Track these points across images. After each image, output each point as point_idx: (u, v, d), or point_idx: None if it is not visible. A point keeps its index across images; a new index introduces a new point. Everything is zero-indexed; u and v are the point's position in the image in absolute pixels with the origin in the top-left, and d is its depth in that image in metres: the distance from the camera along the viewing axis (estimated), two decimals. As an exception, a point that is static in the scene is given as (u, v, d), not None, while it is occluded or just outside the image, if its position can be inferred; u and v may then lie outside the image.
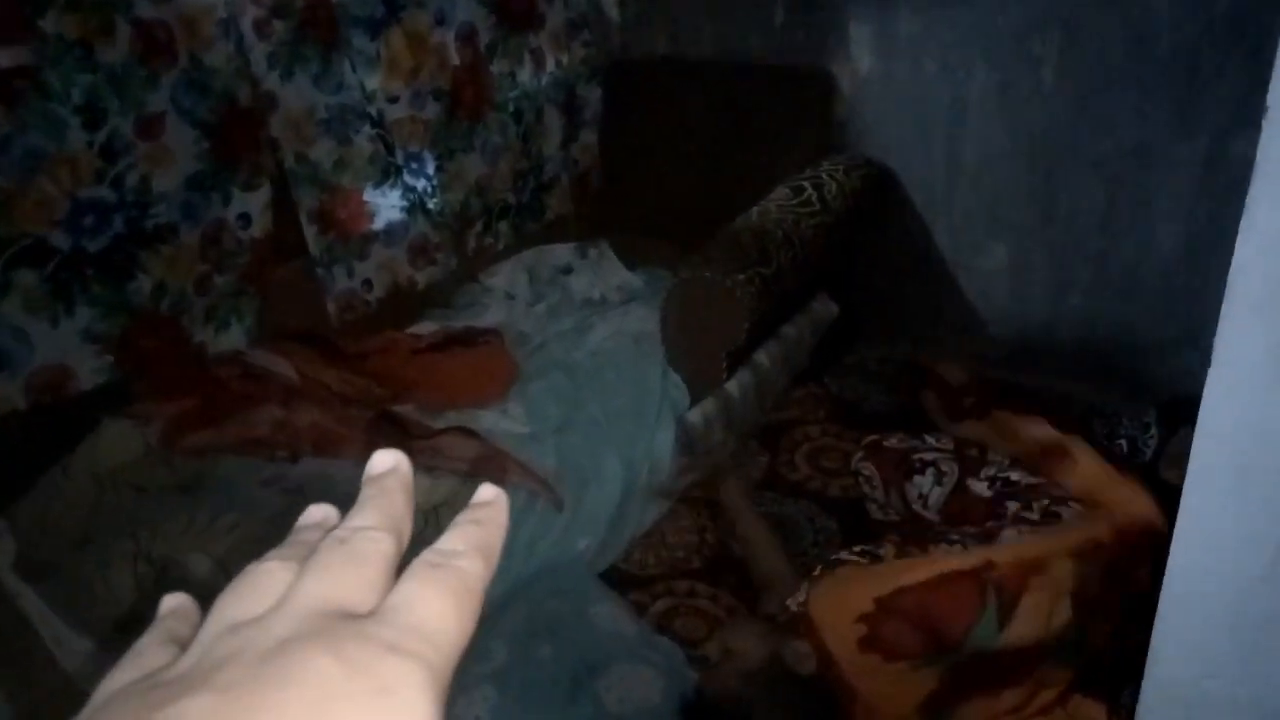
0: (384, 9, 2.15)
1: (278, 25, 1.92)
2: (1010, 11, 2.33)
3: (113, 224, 1.72)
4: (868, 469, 1.91)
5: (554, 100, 2.71)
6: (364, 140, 2.18)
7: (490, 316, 2.38)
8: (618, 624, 1.63)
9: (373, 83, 2.17)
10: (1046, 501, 1.76)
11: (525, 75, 2.59)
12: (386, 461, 0.34)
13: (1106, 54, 2.24)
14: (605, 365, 2.14)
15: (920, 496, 1.86)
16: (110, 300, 1.74)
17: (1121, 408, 2.21)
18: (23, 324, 1.63)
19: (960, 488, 1.84)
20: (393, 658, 0.26)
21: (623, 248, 2.69)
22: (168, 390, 1.78)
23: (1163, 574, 0.88)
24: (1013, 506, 1.77)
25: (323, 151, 2.09)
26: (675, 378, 2.12)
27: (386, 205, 2.28)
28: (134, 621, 1.40)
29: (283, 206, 2.05)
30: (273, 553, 0.31)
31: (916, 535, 1.72)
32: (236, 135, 1.88)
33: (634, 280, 2.54)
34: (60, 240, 1.65)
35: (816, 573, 1.52)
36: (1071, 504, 1.75)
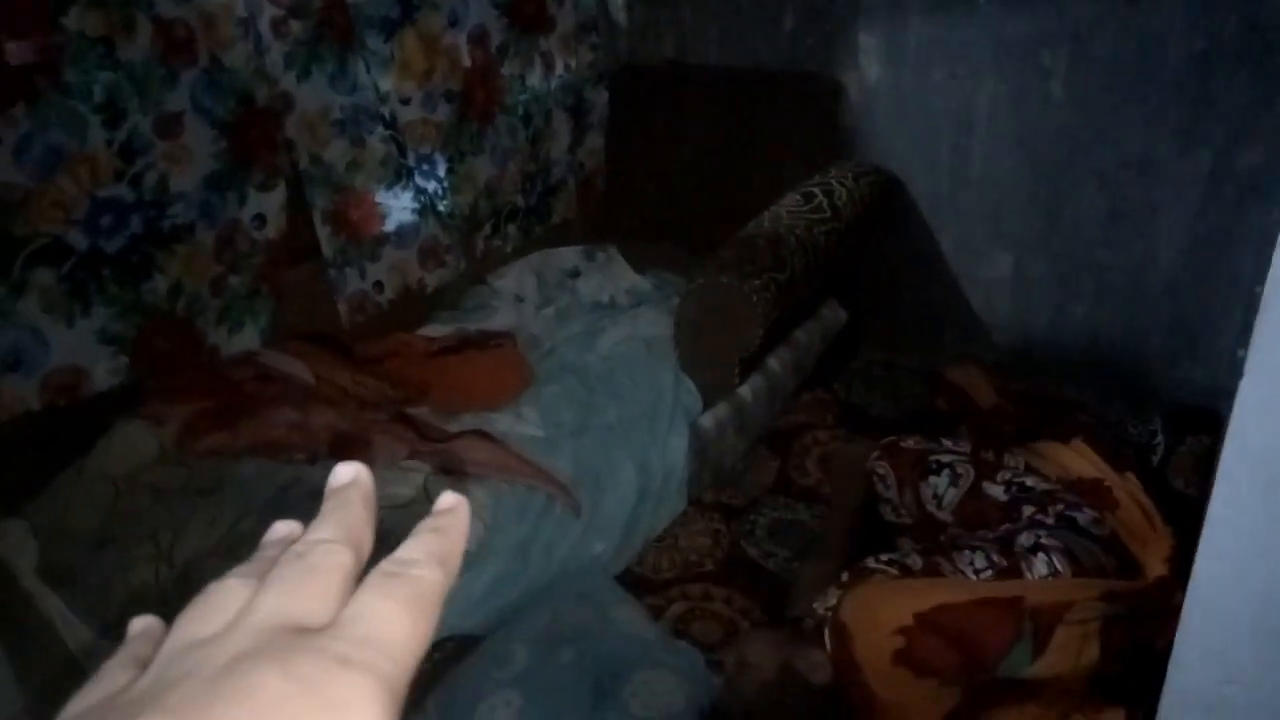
0: (399, 10, 2.14)
1: (295, 25, 1.91)
2: (1019, 23, 2.35)
3: (130, 224, 1.70)
4: (883, 468, 1.91)
5: (562, 103, 2.71)
6: (377, 142, 2.17)
7: (499, 319, 2.37)
8: (638, 628, 1.63)
9: (386, 84, 2.17)
10: (1061, 506, 1.77)
11: (535, 78, 2.59)
12: (347, 474, 0.34)
13: (1115, 67, 2.27)
14: (617, 369, 2.14)
15: (935, 497, 1.87)
16: (126, 301, 1.73)
17: (1126, 416, 2.24)
18: (39, 324, 1.61)
19: (975, 490, 1.86)
20: (344, 673, 0.26)
21: (629, 251, 2.70)
22: (182, 392, 1.77)
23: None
24: (1028, 510, 1.78)
25: (337, 153, 2.08)
26: (688, 382, 2.12)
27: (398, 207, 2.27)
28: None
29: (294, 207, 2.04)
30: (234, 570, 0.31)
31: (936, 544, 1.73)
32: (253, 135, 1.87)
33: (643, 284, 2.54)
34: (77, 239, 1.63)
35: (845, 579, 1.52)
36: (1086, 510, 1.77)
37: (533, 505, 1.72)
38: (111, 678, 0.29)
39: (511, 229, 2.64)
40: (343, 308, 2.16)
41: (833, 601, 1.47)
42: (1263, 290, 1.14)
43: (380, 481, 1.34)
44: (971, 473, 1.89)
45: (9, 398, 1.59)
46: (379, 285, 2.24)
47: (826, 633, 1.47)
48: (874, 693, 1.42)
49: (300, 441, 1.70)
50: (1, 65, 1.49)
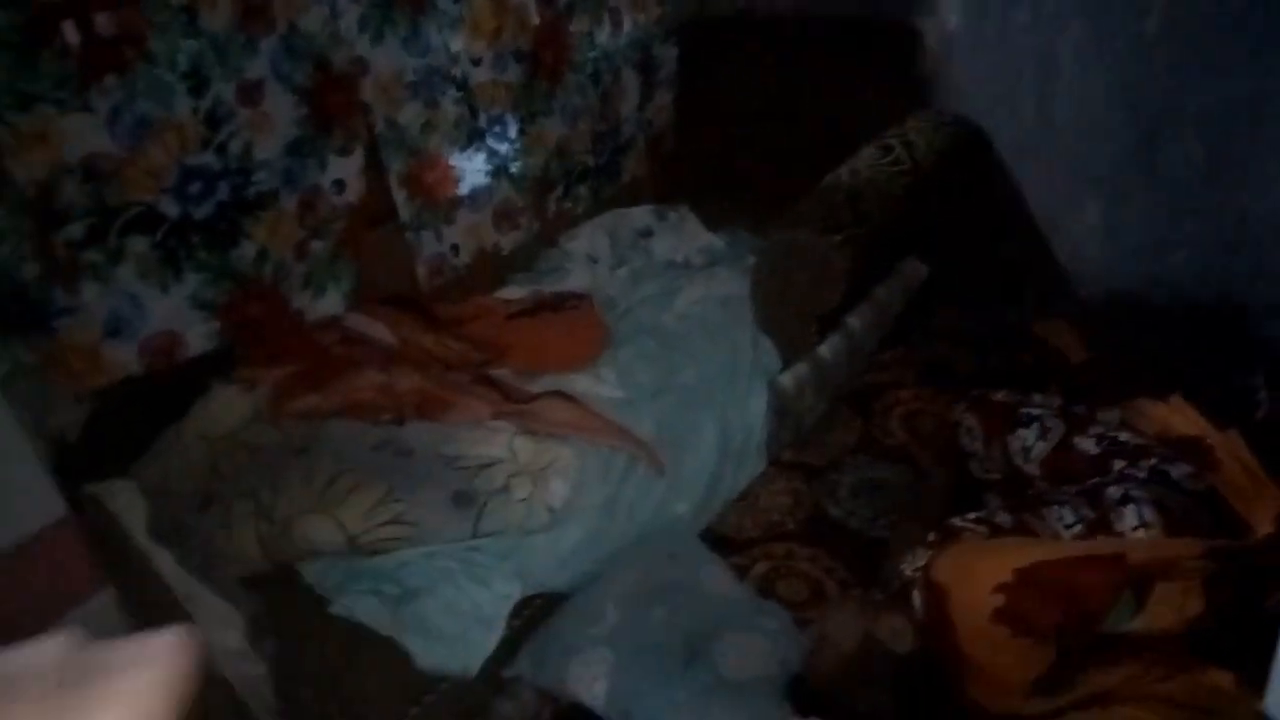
0: (469, -31, 2.12)
1: (368, -13, 1.91)
2: (1112, -44, 2.24)
3: (218, 191, 1.73)
4: (970, 420, 1.88)
5: (630, 60, 2.67)
6: (450, 104, 2.17)
7: (573, 281, 2.37)
8: (726, 588, 1.63)
9: (457, 45, 2.16)
10: (1155, 460, 1.71)
11: (603, 35, 2.56)
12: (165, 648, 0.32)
13: None
14: (694, 329, 2.12)
15: (1023, 449, 1.83)
16: (216, 267, 1.76)
17: (1225, 370, 2.14)
18: (135, 290, 1.65)
19: (1065, 444, 1.81)
20: None
21: (701, 210, 2.66)
22: (272, 356, 1.80)
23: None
24: (1119, 464, 1.73)
25: (411, 115, 2.08)
26: (766, 341, 2.09)
27: (471, 169, 2.27)
28: (259, 580, 1.43)
29: (371, 172, 2.05)
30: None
31: (1024, 500, 1.68)
32: (331, 100, 1.88)
33: (716, 242, 2.51)
34: (169, 207, 1.67)
35: (934, 539, 1.49)
36: (1181, 464, 1.70)
37: (615, 465, 1.72)
38: None
39: (582, 189, 2.63)
40: (421, 271, 2.18)
41: (922, 562, 1.44)
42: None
43: (468, 441, 1.34)
44: (1061, 426, 1.84)
45: (110, 362, 1.64)
46: (455, 248, 2.25)
47: (916, 594, 1.44)
48: (966, 654, 1.39)
49: (387, 403, 1.73)
50: (92, 36, 1.52)
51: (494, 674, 1.48)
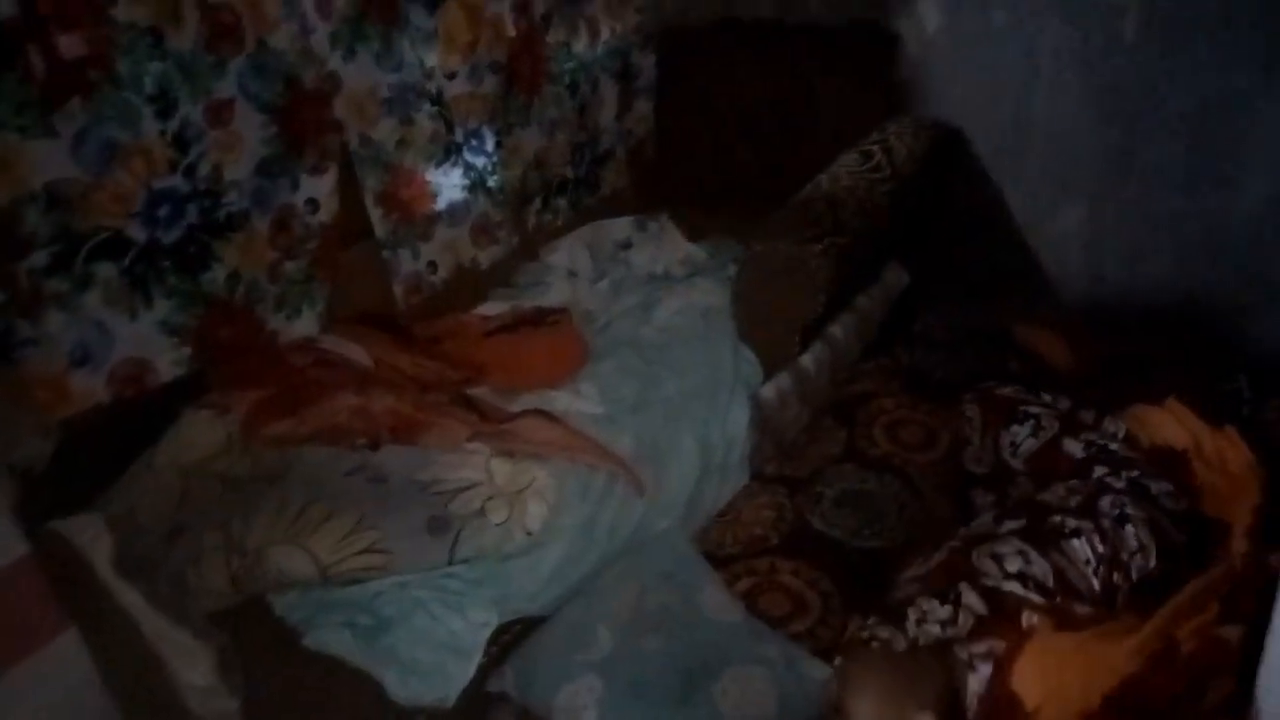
0: (441, -18, 2.10)
1: (339, 3, 1.88)
2: (1088, -42, 2.23)
3: (187, 214, 1.70)
4: (973, 411, 2.00)
5: (609, 70, 2.65)
6: (425, 119, 2.14)
7: (554, 295, 2.35)
8: (726, 613, 1.59)
9: (431, 59, 2.13)
10: (1136, 473, 1.71)
11: (580, 45, 2.54)
12: None
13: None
14: (675, 341, 2.10)
15: (1012, 444, 1.90)
16: (186, 291, 1.73)
17: (1208, 374, 2.14)
18: (103, 317, 1.62)
19: (1053, 443, 1.85)
20: None
21: (682, 220, 2.64)
22: (245, 380, 1.78)
23: None
24: (1099, 470, 1.74)
25: (385, 131, 2.06)
26: (747, 352, 2.08)
27: (448, 185, 2.24)
28: (230, 615, 1.41)
29: (345, 190, 2.03)
30: None
31: (1039, 529, 1.61)
32: (303, 118, 1.85)
33: (698, 253, 2.49)
34: (137, 232, 1.64)
35: (978, 612, 1.39)
36: (1162, 481, 1.70)
37: (595, 485, 1.70)
38: None
39: (561, 202, 2.61)
40: (398, 289, 2.16)
41: (940, 615, 1.38)
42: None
43: (444, 465, 1.31)
44: (1055, 427, 1.88)
45: (78, 391, 1.61)
46: (432, 265, 2.23)
47: (972, 680, 1.32)
48: None
49: (362, 426, 1.70)
50: (55, 59, 1.49)
51: (475, 697, 1.46)
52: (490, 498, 1.58)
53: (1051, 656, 1.31)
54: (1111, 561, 1.50)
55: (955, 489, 1.97)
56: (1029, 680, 1.28)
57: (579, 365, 2.02)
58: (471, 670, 1.42)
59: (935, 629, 1.39)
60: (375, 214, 2.07)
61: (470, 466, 1.62)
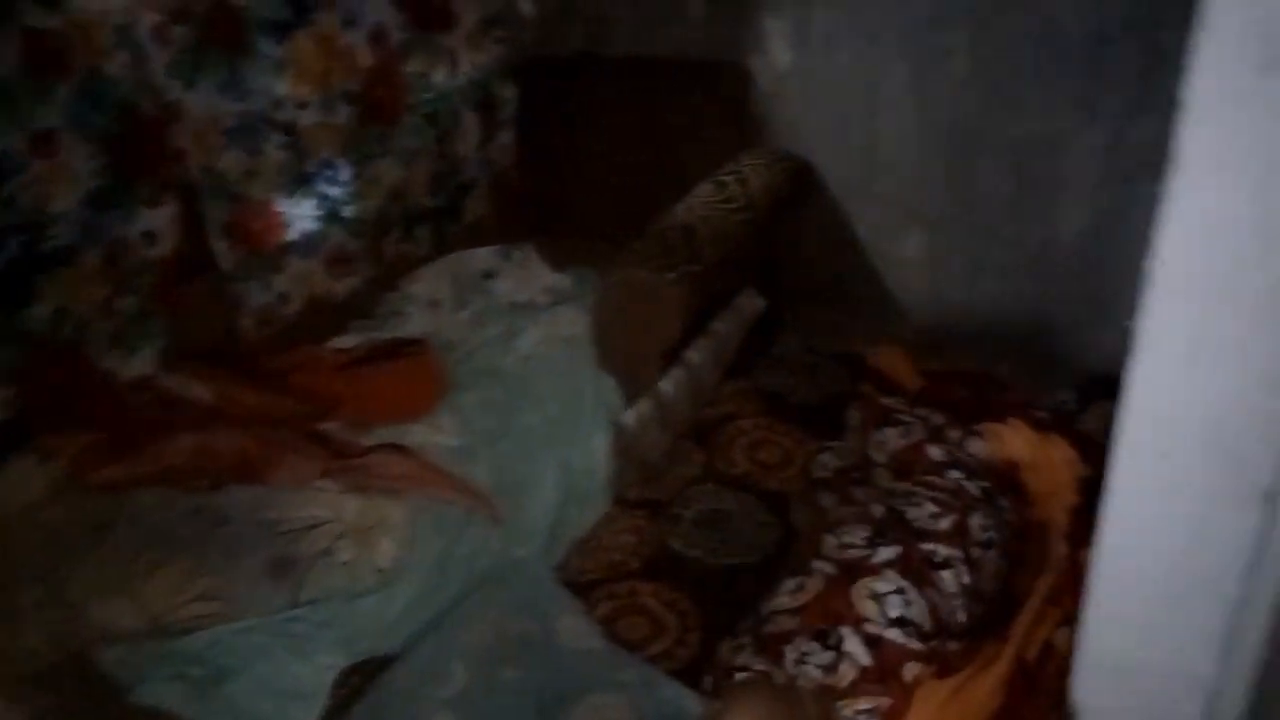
0: (291, 11, 2.06)
1: (178, 31, 1.83)
2: (921, 4, 2.37)
3: (6, 247, 1.62)
4: (855, 415, 2.19)
5: (469, 101, 2.65)
6: (274, 149, 2.09)
7: (414, 325, 2.31)
8: (585, 641, 1.60)
9: (281, 89, 2.09)
10: (987, 484, 1.84)
11: (439, 76, 2.53)
12: None
13: (1015, 45, 2.30)
14: (536, 371, 2.11)
15: (880, 442, 2.05)
16: (6, 329, 1.64)
17: (1042, 389, 2.29)
18: (-87, 360, 1.52)
19: (916, 446, 1.99)
20: None
21: (547, 249, 2.65)
22: (75, 423, 1.68)
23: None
24: (954, 474, 1.87)
25: (231, 162, 2.00)
26: (608, 380, 2.10)
27: (300, 215, 2.20)
28: (52, 675, 1.33)
29: (189, 221, 1.96)
30: None
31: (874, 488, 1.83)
32: (138, 149, 1.79)
33: (561, 282, 2.50)
34: (-51, 269, 1.55)
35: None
36: (1003, 497, 1.83)
37: (450, 518, 1.68)
38: None
39: (422, 232, 2.58)
40: (247, 323, 2.09)
41: (838, 678, 1.42)
42: (1150, 267, 1.16)
43: (291, 504, 1.27)
44: (922, 433, 2.04)
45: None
46: (284, 297, 2.17)
47: None
48: None
49: (203, 467, 1.64)
50: None
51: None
52: (340, 536, 1.54)
53: (933, 706, 1.38)
54: (974, 593, 1.59)
55: (809, 499, 2.04)
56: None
57: (438, 397, 2.00)
58: (314, 715, 1.38)
59: (816, 673, 1.43)
60: (220, 246, 2.01)
61: (318, 504, 1.58)
